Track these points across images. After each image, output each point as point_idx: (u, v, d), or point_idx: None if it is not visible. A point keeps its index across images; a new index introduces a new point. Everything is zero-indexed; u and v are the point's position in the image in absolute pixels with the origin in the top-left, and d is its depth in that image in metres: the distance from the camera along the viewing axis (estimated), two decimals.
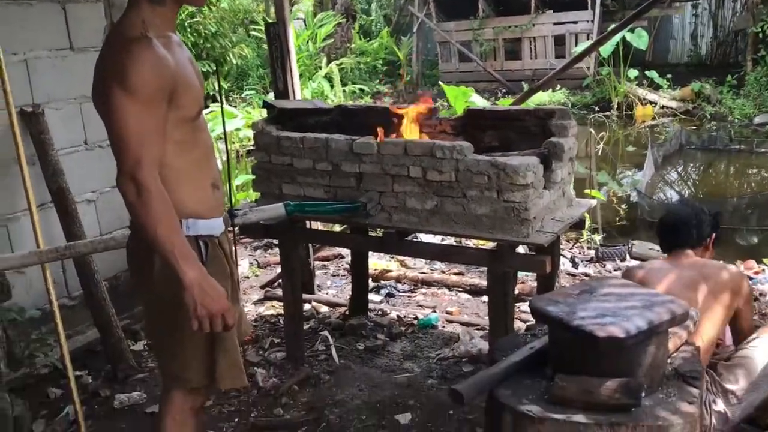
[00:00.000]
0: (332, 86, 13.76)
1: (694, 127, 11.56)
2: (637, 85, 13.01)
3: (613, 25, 12.95)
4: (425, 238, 5.26)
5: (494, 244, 3.36)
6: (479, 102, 6.67)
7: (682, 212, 3.23)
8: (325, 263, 5.98)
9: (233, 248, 2.62)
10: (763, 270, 5.47)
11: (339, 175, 3.63)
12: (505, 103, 7.94)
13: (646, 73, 13.07)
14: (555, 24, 14.87)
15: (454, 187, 3.32)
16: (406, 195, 3.46)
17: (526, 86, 14.03)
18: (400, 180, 3.45)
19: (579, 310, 1.88)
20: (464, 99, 6.66)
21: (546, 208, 3.41)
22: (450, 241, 5.34)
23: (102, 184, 4.36)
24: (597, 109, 13.21)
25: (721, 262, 3.19)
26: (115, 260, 4.10)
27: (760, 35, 12.46)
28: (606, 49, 12.63)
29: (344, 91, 14.07)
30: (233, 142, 8.51)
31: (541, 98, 13.02)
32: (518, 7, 15.28)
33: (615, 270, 5.62)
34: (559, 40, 14.91)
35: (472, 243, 4.65)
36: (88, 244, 3.30)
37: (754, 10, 13.08)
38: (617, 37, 12.62)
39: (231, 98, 13.82)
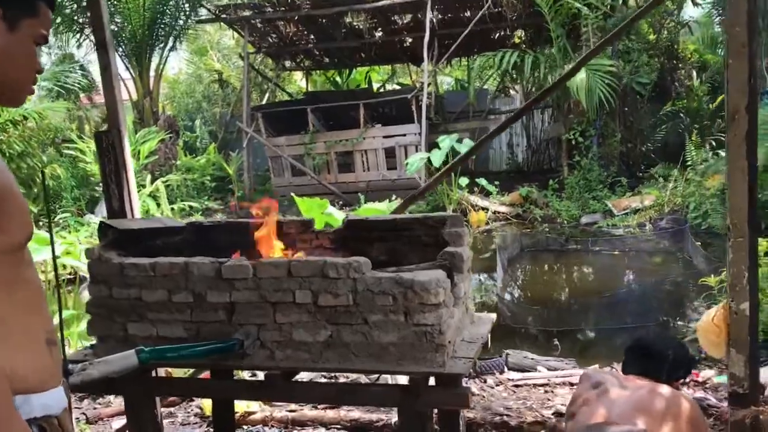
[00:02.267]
0: (158, 205, 12.83)
1: (528, 230, 11.94)
2: (468, 192, 13.37)
3: (442, 137, 13.47)
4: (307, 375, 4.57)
5: (406, 378, 2.80)
6: (336, 214, 6.24)
7: (660, 344, 2.90)
8: (171, 410, 5.05)
9: (72, 425, 1.86)
10: None
11: (204, 308, 2.94)
12: (366, 213, 7.60)
13: (477, 180, 13.51)
14: (385, 137, 15.16)
15: (353, 312, 2.76)
16: (292, 326, 2.84)
17: (362, 197, 13.99)
18: (284, 308, 2.84)
19: None
20: (320, 211, 6.20)
21: (456, 329, 2.94)
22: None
23: None
24: None
25: (681, 391, 2.87)
26: None
27: (573, 142, 13.40)
28: (437, 159, 12.94)
29: (172, 209, 13.17)
30: (43, 271, 7.35)
31: (380, 208, 12.93)
32: (348, 122, 15.47)
33: (497, 384, 5.23)
34: (390, 152, 15.17)
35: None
36: None
37: (565, 120, 14.13)
38: (446, 148, 13.06)
39: (42, 223, 12.38)
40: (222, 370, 3.38)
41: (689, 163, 11.54)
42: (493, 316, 3.46)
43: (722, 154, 11.55)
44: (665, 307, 6.98)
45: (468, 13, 15.49)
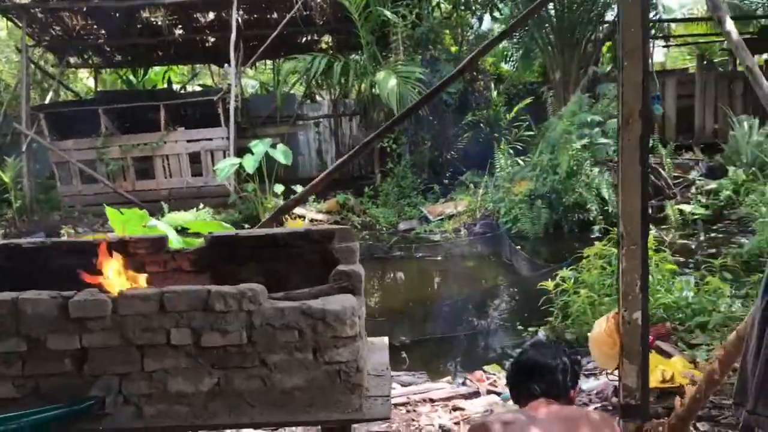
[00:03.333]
0: None
1: None
2: (284, 200, 12.87)
3: (255, 142, 12.83)
4: None
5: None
6: (162, 227, 5.46)
7: (545, 357, 2.57)
8: None
9: None
10: (497, 377, 5.27)
11: (42, 357, 2.26)
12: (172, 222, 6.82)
13: (293, 187, 13.05)
14: (189, 141, 14.17)
15: (247, 352, 2.25)
16: (167, 374, 2.26)
17: (166, 206, 12.96)
18: (156, 352, 2.25)
19: None
20: (141, 224, 5.39)
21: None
22: None
23: None
24: (247, 226, 12.68)
25: (584, 409, 2.65)
26: None
27: (388, 149, 13.47)
28: (250, 165, 12.32)
29: None
30: None
31: (186, 218, 12.03)
32: (146, 125, 14.26)
33: None
34: (195, 158, 14.22)
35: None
36: None
37: (376, 128, 14.17)
38: (260, 153, 12.48)
39: None
40: None
41: (498, 169, 12.02)
42: (386, 339, 3.07)
43: (521, 162, 12.20)
44: (504, 312, 7.08)
45: (275, 15, 15.02)
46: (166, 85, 17.89)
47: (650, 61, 16.28)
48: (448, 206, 12.08)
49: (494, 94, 15.80)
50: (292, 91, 17.72)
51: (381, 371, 2.62)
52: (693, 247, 9.50)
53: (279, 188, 12.81)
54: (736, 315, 5.52)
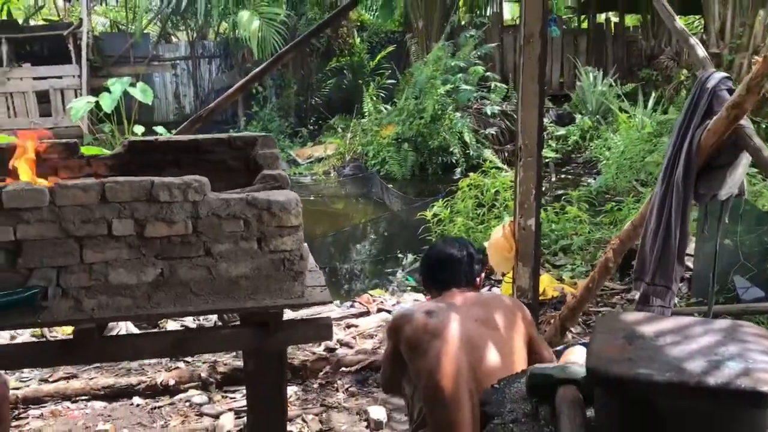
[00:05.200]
0: None
1: None
2: None
3: (112, 80, 12.12)
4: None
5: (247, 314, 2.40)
6: None
7: (453, 249, 2.77)
8: None
9: None
10: (383, 299, 5.54)
11: None
12: None
13: (155, 128, 12.50)
14: (36, 79, 13.14)
15: (193, 242, 2.28)
16: (108, 266, 2.24)
17: None
18: (96, 243, 2.23)
19: (681, 363, 1.29)
20: None
21: None
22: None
23: None
24: None
25: (498, 294, 2.90)
26: None
27: (254, 92, 13.27)
28: (108, 104, 11.65)
29: None
30: None
31: None
32: None
33: None
34: (44, 97, 13.24)
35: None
36: None
37: (240, 70, 13.89)
38: (118, 92, 11.84)
39: None
40: None
41: (366, 113, 12.22)
42: (305, 244, 3.16)
43: (384, 109, 12.46)
44: (383, 243, 7.33)
45: None
46: (6, 17, 16.34)
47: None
48: (317, 149, 12.16)
49: (357, 41, 15.89)
50: (146, 31, 16.84)
51: (311, 268, 2.73)
52: (545, 187, 10.25)
53: (139, 129, 12.22)
54: (594, 237, 6.13)
